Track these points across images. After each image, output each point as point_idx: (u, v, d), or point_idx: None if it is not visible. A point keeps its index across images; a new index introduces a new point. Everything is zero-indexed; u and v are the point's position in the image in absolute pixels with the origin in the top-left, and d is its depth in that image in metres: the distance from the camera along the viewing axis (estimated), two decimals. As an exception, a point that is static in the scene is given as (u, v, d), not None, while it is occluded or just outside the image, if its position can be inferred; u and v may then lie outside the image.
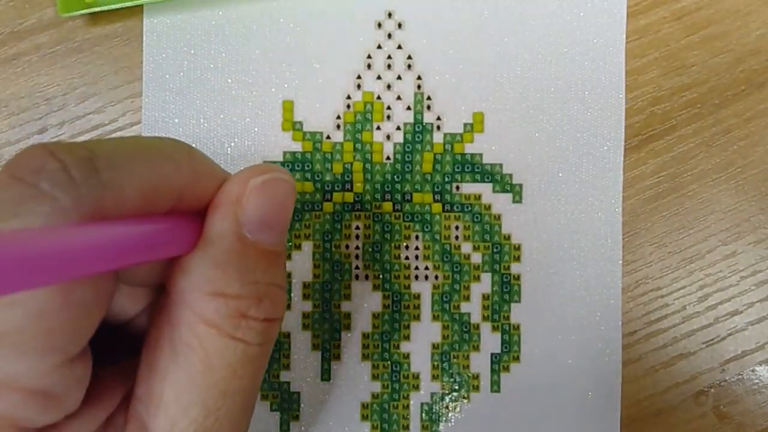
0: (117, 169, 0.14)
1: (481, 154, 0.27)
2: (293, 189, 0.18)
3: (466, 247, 0.27)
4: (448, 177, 0.27)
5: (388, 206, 0.27)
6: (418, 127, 0.27)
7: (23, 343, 0.14)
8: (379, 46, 0.27)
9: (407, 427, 0.27)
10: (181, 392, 0.16)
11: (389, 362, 0.27)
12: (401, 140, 0.27)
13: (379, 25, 0.27)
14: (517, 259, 0.27)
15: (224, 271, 0.16)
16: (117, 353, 0.19)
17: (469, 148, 0.27)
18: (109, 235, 0.13)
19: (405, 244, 0.27)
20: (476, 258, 0.27)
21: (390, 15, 0.27)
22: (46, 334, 0.14)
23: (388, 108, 0.27)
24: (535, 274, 0.27)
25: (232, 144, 0.27)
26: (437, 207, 0.27)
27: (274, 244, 0.17)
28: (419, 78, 0.27)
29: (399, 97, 0.27)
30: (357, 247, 0.27)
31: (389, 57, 0.27)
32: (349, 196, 0.27)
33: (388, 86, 0.27)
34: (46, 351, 0.14)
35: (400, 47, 0.27)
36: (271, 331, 0.17)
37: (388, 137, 0.27)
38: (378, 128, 0.27)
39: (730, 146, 0.28)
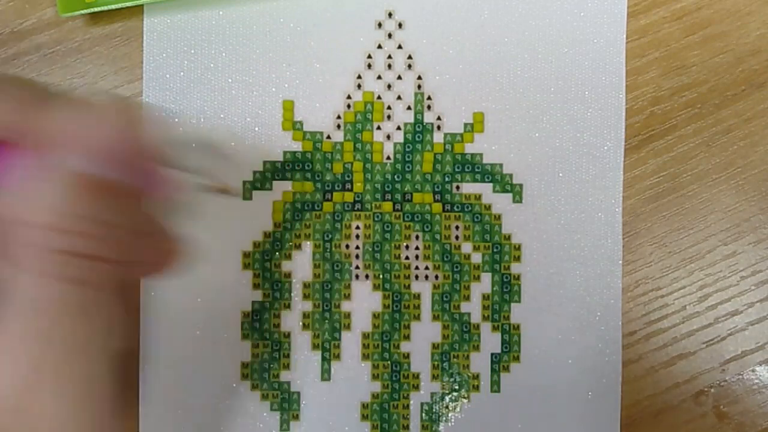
0: None
1: (481, 154, 0.27)
2: (134, 114, 0.16)
3: (467, 247, 0.27)
4: (448, 177, 0.27)
5: (388, 206, 0.27)
6: (419, 127, 0.27)
7: None
8: (380, 46, 0.27)
9: (407, 427, 0.27)
10: (8, 332, 0.15)
11: (389, 362, 0.27)
12: (401, 140, 0.27)
13: (380, 25, 0.27)
14: (517, 259, 0.27)
15: (37, 200, 0.15)
16: None
17: (470, 148, 0.27)
18: None
19: (405, 244, 0.27)
20: (476, 258, 0.27)
21: (390, 15, 0.27)
22: None
23: (389, 108, 0.27)
24: (535, 274, 0.27)
25: (232, 144, 0.27)
26: (437, 207, 0.27)
27: (106, 176, 0.16)
28: (419, 78, 0.27)
29: (399, 97, 0.27)
30: (357, 247, 0.27)
31: (389, 57, 0.27)
32: (349, 196, 0.27)
33: (389, 86, 0.27)
34: None
35: (400, 47, 0.27)
36: (101, 271, 0.16)
37: (389, 137, 0.27)
38: (378, 128, 0.27)
39: (730, 146, 0.28)
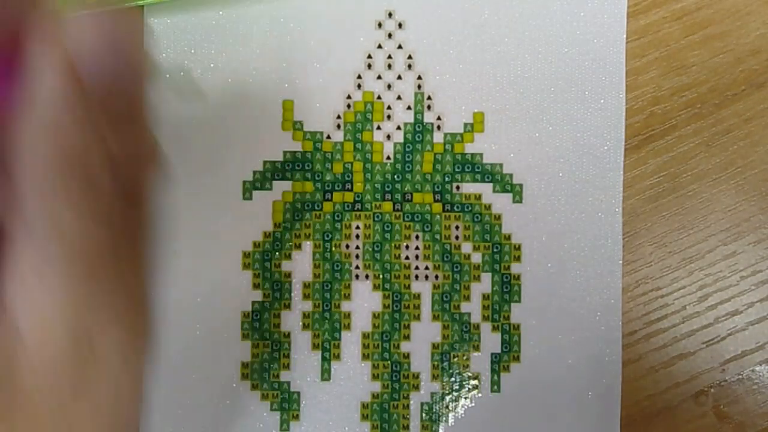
0: None
1: (481, 154, 0.27)
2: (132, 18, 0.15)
3: (467, 247, 0.27)
4: (448, 177, 0.27)
5: (388, 206, 0.27)
6: (419, 127, 0.27)
7: None
8: (380, 46, 0.27)
9: (407, 427, 0.27)
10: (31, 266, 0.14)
11: (389, 362, 0.27)
12: (401, 140, 0.27)
13: (380, 25, 0.27)
14: (517, 259, 0.27)
15: (63, 120, 0.14)
16: None
17: (470, 148, 0.27)
18: None
19: (405, 243, 0.27)
20: (476, 258, 0.27)
21: (390, 15, 0.27)
22: None
23: (389, 108, 0.27)
24: (535, 274, 0.27)
25: (232, 144, 0.27)
26: (437, 207, 0.27)
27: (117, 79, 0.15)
28: (419, 78, 0.27)
29: (399, 97, 0.27)
30: (357, 247, 0.27)
31: (389, 57, 0.27)
32: (349, 196, 0.27)
33: (389, 86, 0.27)
34: None
35: (400, 47, 0.27)
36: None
37: (389, 137, 0.27)
38: (378, 128, 0.27)
39: (730, 146, 0.28)
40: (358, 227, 0.27)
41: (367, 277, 0.27)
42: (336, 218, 0.27)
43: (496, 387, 0.27)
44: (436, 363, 0.27)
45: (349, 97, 0.27)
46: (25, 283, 0.14)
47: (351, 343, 0.27)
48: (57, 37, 0.14)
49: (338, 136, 0.27)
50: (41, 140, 0.14)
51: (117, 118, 0.15)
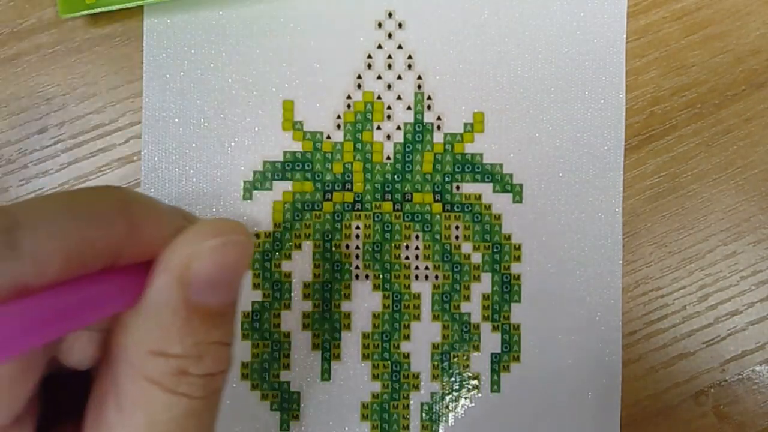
0: (40, 237, 0.14)
1: (481, 154, 0.27)
2: (248, 249, 0.17)
3: (467, 247, 0.27)
4: (448, 177, 0.27)
5: (388, 206, 0.27)
6: (419, 127, 0.27)
7: None
8: (380, 46, 0.27)
9: (407, 427, 0.27)
10: None
11: (389, 362, 0.27)
12: (401, 140, 0.27)
13: (380, 25, 0.27)
14: (517, 259, 0.27)
15: (167, 332, 0.16)
16: (79, 400, 0.18)
17: (470, 148, 0.27)
18: (32, 310, 0.13)
19: (405, 244, 0.27)
20: (476, 258, 0.27)
21: (390, 15, 0.27)
22: None
23: (389, 108, 0.27)
24: (535, 274, 0.27)
25: (232, 144, 0.27)
26: (437, 207, 0.27)
27: (222, 305, 0.17)
28: (419, 78, 0.27)
29: (399, 97, 0.27)
30: (357, 247, 0.27)
31: (389, 57, 0.27)
32: (349, 196, 0.27)
33: (389, 86, 0.27)
34: None
35: (400, 47, 0.27)
36: (214, 384, 0.17)
37: (389, 137, 0.27)
38: (378, 128, 0.27)
39: (730, 146, 0.28)
40: (358, 227, 0.27)
41: (367, 277, 0.27)
42: (336, 218, 0.27)
43: (496, 387, 0.27)
44: (436, 363, 0.27)
45: (349, 97, 0.27)
46: None
47: (351, 343, 0.27)
48: (184, 261, 0.16)
49: (338, 136, 0.27)
50: (148, 337, 0.16)
51: (211, 335, 0.17)
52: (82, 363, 0.18)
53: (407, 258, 0.27)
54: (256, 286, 0.27)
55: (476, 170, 0.27)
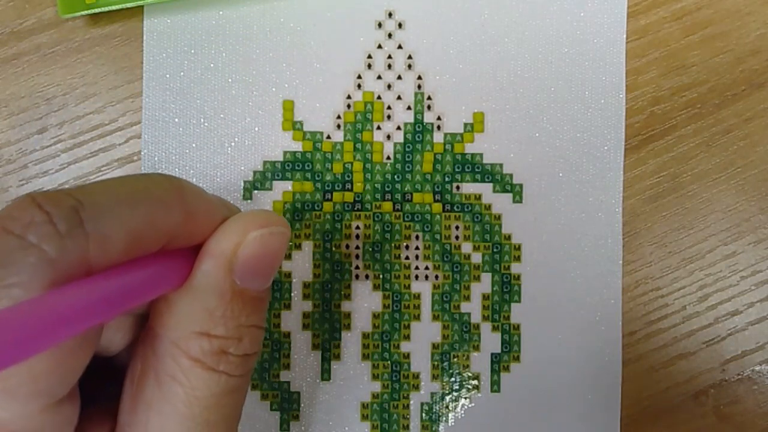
0: (103, 217, 0.15)
1: (481, 154, 0.27)
2: (287, 239, 0.18)
3: (467, 247, 0.27)
4: (448, 177, 0.27)
5: (388, 206, 0.27)
6: (419, 127, 0.27)
7: (10, 389, 0.14)
8: (380, 46, 0.27)
9: (407, 427, 0.27)
10: (166, 422, 0.17)
11: (389, 362, 0.27)
12: (401, 140, 0.27)
13: (380, 25, 0.27)
14: (517, 259, 0.27)
15: (212, 314, 0.17)
16: (103, 387, 0.19)
17: (470, 148, 0.27)
18: (98, 290, 0.14)
19: (405, 244, 0.27)
20: (476, 258, 0.27)
21: (390, 15, 0.27)
22: (33, 379, 0.14)
23: (389, 108, 0.27)
24: (535, 274, 0.27)
25: (232, 144, 0.27)
26: (437, 207, 0.27)
27: (261, 291, 0.18)
28: (419, 78, 0.27)
29: (399, 97, 0.27)
30: (357, 247, 0.27)
31: (389, 57, 0.27)
32: (349, 196, 0.27)
33: (389, 86, 0.27)
34: (33, 395, 0.15)
35: (400, 47, 0.27)
36: (250, 363, 0.18)
37: (389, 137, 0.27)
38: (378, 128, 0.27)
39: (730, 146, 0.28)
40: (358, 227, 0.27)
41: (367, 277, 0.27)
42: (336, 218, 0.27)
43: (496, 387, 0.27)
44: (436, 363, 0.27)
45: (349, 97, 0.27)
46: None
47: (351, 343, 0.27)
48: (232, 248, 0.17)
49: (338, 136, 0.27)
50: (193, 318, 0.17)
51: (250, 319, 0.18)
52: (116, 346, 0.19)
53: (407, 258, 0.27)
54: (256, 286, 0.27)
55: (476, 170, 0.27)
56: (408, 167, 0.27)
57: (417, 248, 0.27)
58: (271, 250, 0.17)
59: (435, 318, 0.27)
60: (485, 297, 0.27)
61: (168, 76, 0.27)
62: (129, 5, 0.26)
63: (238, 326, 0.17)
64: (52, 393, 0.15)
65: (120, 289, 0.15)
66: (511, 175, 0.27)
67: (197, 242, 0.17)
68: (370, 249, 0.27)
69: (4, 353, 0.11)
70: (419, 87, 0.27)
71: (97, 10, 0.26)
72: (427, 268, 0.27)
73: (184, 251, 0.17)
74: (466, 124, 0.27)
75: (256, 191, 0.27)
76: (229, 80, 0.27)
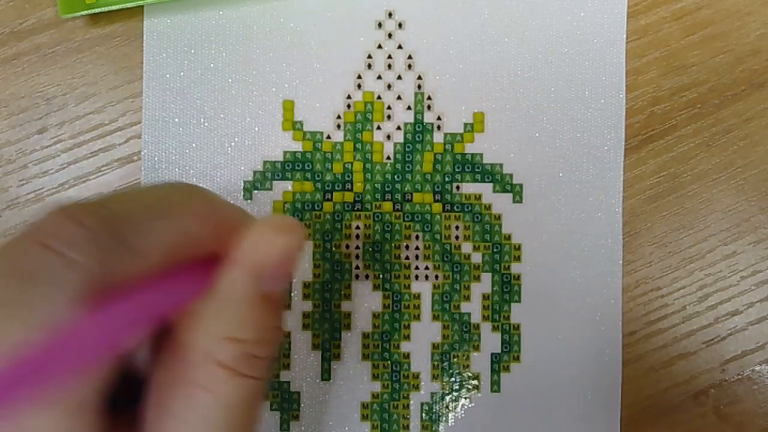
0: (143, 231, 0.15)
1: (481, 154, 0.27)
2: (303, 243, 0.19)
3: (467, 247, 0.27)
4: (448, 177, 0.27)
5: (388, 206, 0.27)
6: (419, 127, 0.27)
7: (51, 399, 0.14)
8: (380, 46, 0.27)
9: (407, 427, 0.27)
10: (195, 430, 0.17)
11: (389, 362, 0.27)
12: (401, 140, 0.27)
13: (380, 25, 0.27)
14: (517, 259, 0.27)
15: (241, 319, 0.17)
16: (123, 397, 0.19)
17: (470, 148, 0.27)
18: (139, 307, 0.14)
19: (405, 243, 0.27)
20: (476, 258, 0.27)
21: (390, 15, 0.27)
22: (74, 390, 0.15)
23: (389, 108, 0.27)
24: (535, 274, 0.27)
25: (232, 144, 0.27)
26: (437, 207, 0.27)
27: (280, 293, 0.18)
28: (419, 78, 0.27)
29: (399, 97, 0.27)
30: (357, 247, 0.27)
31: (389, 57, 0.27)
32: (349, 196, 0.27)
33: (389, 86, 0.27)
34: (76, 406, 0.15)
35: (400, 47, 0.27)
36: (269, 364, 0.19)
37: (389, 137, 0.27)
38: (378, 128, 0.27)
39: (730, 146, 0.28)
40: (358, 227, 0.27)
41: (367, 277, 0.27)
42: (336, 218, 0.27)
43: (496, 387, 0.27)
44: (436, 363, 0.27)
45: (349, 97, 0.27)
46: None
47: (351, 342, 0.27)
48: (257, 257, 0.17)
49: (338, 136, 0.27)
50: (221, 324, 0.17)
51: (272, 320, 0.18)
52: (138, 356, 0.19)
53: (407, 258, 0.27)
54: (256, 286, 0.27)
55: (476, 170, 0.27)
56: (408, 167, 0.27)
57: (417, 248, 0.27)
58: (292, 255, 0.18)
59: (435, 318, 0.27)
60: (485, 297, 0.27)
61: (168, 76, 0.27)
62: (129, 5, 0.26)
63: (264, 328, 0.18)
64: (92, 403, 0.15)
65: (158, 302, 0.15)
66: (511, 175, 0.27)
67: (217, 248, 0.17)
68: (370, 249, 0.27)
69: (64, 372, 0.12)
70: (419, 87, 0.27)
71: (97, 10, 0.26)
72: (427, 268, 0.27)
73: (205, 259, 0.17)
74: (466, 124, 0.27)
75: (256, 191, 0.27)
76: (229, 80, 0.27)
